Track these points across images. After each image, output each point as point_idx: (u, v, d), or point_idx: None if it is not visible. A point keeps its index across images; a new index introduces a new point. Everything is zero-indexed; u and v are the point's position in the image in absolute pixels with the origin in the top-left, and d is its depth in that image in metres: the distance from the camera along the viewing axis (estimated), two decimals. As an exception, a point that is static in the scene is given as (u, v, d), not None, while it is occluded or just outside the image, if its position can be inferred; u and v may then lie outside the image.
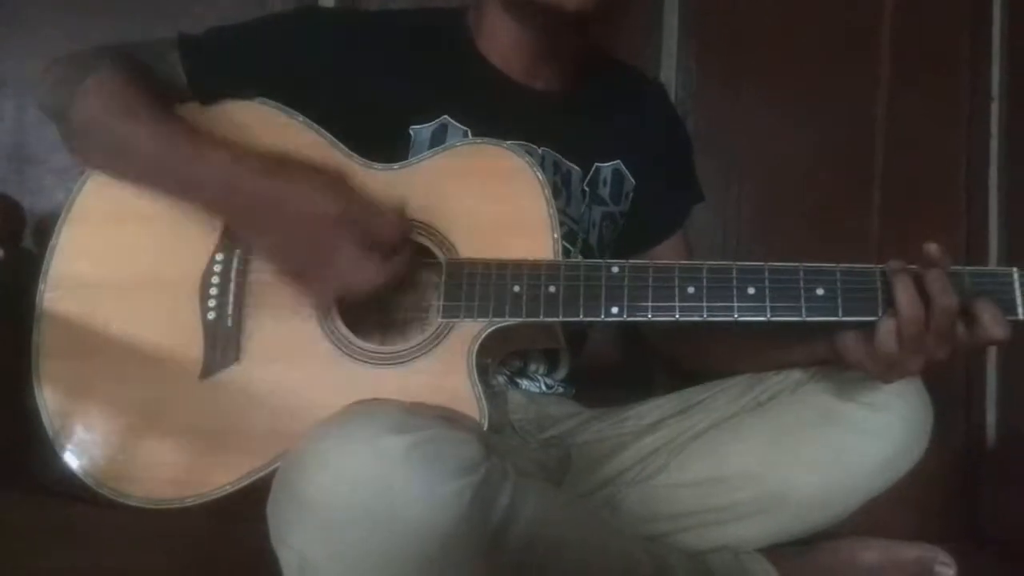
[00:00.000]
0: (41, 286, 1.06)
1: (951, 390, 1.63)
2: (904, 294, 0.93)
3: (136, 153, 1.02)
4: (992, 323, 0.93)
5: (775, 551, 1.13)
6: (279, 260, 1.00)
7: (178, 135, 1.01)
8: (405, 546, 0.77)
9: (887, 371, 0.98)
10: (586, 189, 1.24)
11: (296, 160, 0.99)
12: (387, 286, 0.98)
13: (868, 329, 0.97)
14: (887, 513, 1.17)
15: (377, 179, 1.06)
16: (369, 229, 0.96)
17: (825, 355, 1.06)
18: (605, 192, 1.26)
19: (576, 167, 1.23)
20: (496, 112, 1.16)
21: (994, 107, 1.72)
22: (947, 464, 1.54)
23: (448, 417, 0.88)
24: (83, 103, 1.04)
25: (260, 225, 0.99)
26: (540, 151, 1.19)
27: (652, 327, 1.29)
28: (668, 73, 1.67)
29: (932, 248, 0.95)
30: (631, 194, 1.29)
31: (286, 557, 0.81)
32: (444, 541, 0.77)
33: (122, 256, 1.06)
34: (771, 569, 1.11)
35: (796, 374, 1.13)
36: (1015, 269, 0.97)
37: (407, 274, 1.01)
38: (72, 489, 1.01)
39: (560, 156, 1.22)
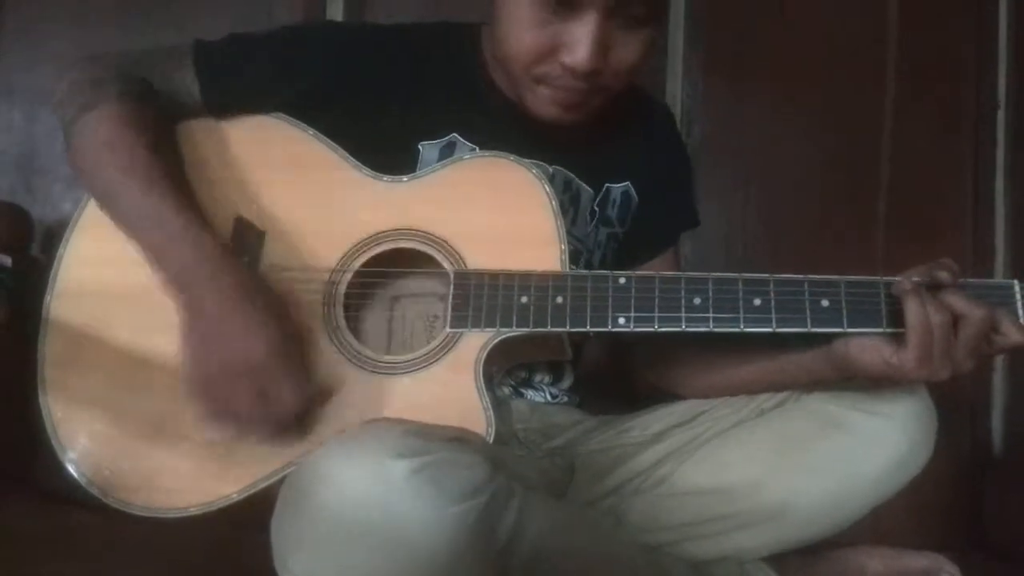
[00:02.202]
0: (48, 295, 1.07)
1: (957, 398, 1.63)
2: (936, 313, 0.93)
3: (118, 206, 1.03)
4: (1013, 330, 0.94)
5: (780, 561, 1.12)
6: (195, 369, 0.98)
7: (161, 207, 1.00)
8: (409, 569, 0.77)
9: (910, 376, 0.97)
10: (595, 209, 1.24)
11: (262, 293, 0.99)
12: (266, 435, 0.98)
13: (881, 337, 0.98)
14: (892, 521, 1.17)
15: (385, 191, 1.07)
16: (272, 388, 0.96)
17: (822, 368, 1.06)
18: (613, 213, 1.26)
19: (587, 187, 1.23)
20: (505, 131, 1.15)
21: (1000, 116, 1.73)
22: (953, 472, 1.55)
23: (455, 437, 0.88)
24: (82, 138, 1.05)
25: (197, 327, 0.98)
26: (551, 169, 1.19)
27: (641, 356, 1.29)
28: (674, 83, 1.68)
29: (953, 264, 0.97)
30: (634, 214, 1.29)
31: None
32: (448, 564, 0.77)
33: (129, 265, 1.05)
34: (776, 578, 1.11)
35: None
36: (1016, 282, 0.98)
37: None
38: (76, 497, 1.01)
39: (572, 175, 1.22)
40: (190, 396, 0.97)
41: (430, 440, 0.82)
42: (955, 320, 0.94)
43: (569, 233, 1.09)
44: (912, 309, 0.93)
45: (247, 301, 0.97)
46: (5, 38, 1.56)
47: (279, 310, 0.99)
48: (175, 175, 1.05)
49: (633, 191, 1.27)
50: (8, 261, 1.27)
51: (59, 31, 1.54)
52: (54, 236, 1.13)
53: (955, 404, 1.60)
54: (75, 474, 1.01)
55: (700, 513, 1.09)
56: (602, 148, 1.24)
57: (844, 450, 1.07)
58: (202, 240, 0.99)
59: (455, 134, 1.17)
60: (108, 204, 1.04)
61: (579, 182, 1.22)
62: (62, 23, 1.55)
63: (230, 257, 1.01)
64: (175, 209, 1.00)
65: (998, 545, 1.46)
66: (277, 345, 0.96)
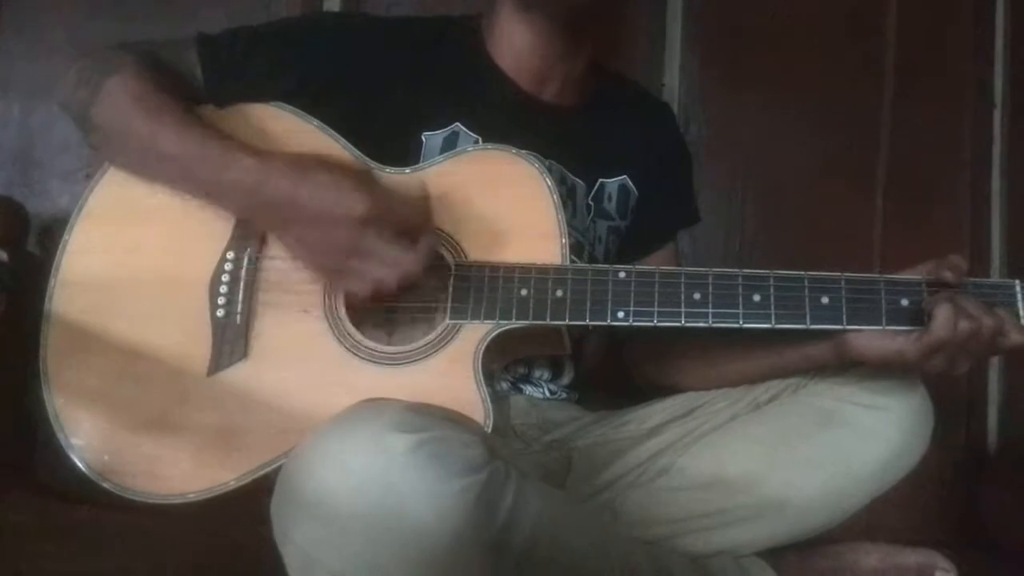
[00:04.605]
0: (52, 282, 1.07)
1: (953, 394, 1.63)
2: (954, 315, 0.95)
3: (162, 156, 1.02)
4: (1014, 330, 0.96)
5: (776, 556, 1.13)
6: (313, 259, 1.01)
7: (205, 138, 1.01)
8: (409, 544, 0.77)
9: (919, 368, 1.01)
10: (590, 203, 1.25)
11: (320, 160, 1.00)
12: (418, 275, 0.99)
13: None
14: (888, 517, 1.17)
15: (388, 183, 1.07)
16: (396, 222, 0.98)
17: (823, 355, 1.06)
18: (611, 207, 1.27)
19: (580, 181, 1.24)
20: (507, 122, 1.17)
21: (996, 113, 1.73)
22: (949, 468, 1.55)
23: (453, 418, 0.88)
24: (106, 104, 1.05)
25: (291, 226, 1.00)
26: (547, 162, 1.19)
27: (639, 350, 1.29)
28: (672, 80, 1.68)
29: (961, 262, 0.99)
30: (634, 208, 1.30)
31: (290, 554, 0.81)
32: (448, 540, 0.77)
33: (133, 253, 1.06)
34: (772, 573, 1.11)
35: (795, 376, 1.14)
36: (1017, 281, 1.00)
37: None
38: (76, 489, 1.01)
39: (565, 170, 1.22)
40: (329, 272, 1.01)
41: (428, 417, 0.83)
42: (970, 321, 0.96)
43: (571, 226, 1.09)
44: (943, 314, 0.95)
45: (328, 169, 0.98)
46: (3, 32, 1.55)
47: (360, 174, 1.01)
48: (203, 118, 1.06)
49: (631, 185, 1.28)
50: (4, 256, 1.26)
51: (57, 25, 1.54)
52: (50, 231, 1.13)
53: (951, 400, 1.61)
54: (76, 460, 1.01)
55: (697, 507, 1.10)
56: (597, 144, 1.26)
57: (840, 444, 1.08)
58: (255, 153, 1.00)
59: (458, 124, 1.17)
60: (151, 156, 1.04)
61: (572, 176, 1.23)
62: (60, 16, 1.54)
63: (279, 156, 1.01)
64: (219, 133, 1.01)
65: (994, 541, 1.46)
66: (377, 187, 0.99)
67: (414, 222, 1.01)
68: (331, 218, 0.96)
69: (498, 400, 1.13)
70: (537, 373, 1.25)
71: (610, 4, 1.13)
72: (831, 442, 1.08)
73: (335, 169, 0.98)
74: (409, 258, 0.98)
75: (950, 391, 1.60)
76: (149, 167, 1.05)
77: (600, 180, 1.26)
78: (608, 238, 1.27)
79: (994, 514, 1.50)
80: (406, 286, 0.99)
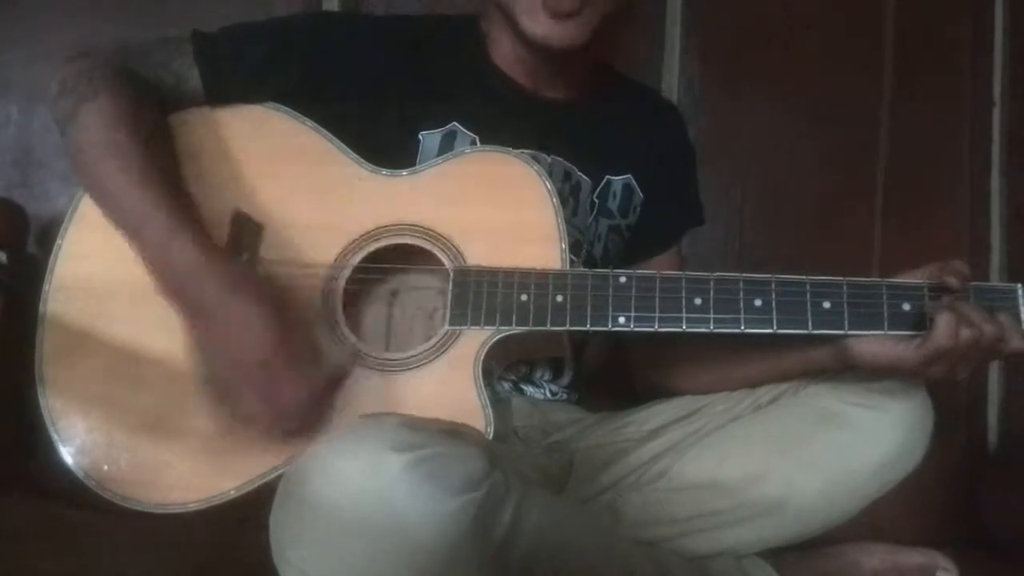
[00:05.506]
0: (46, 287, 1.07)
1: (953, 394, 1.63)
2: (958, 324, 0.95)
3: (116, 203, 1.01)
4: (1015, 336, 0.97)
5: (777, 556, 1.13)
6: (203, 367, 0.99)
7: (162, 205, 0.98)
8: (407, 562, 0.77)
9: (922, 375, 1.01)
10: (595, 201, 1.24)
11: (252, 282, 0.99)
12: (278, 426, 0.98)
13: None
14: (889, 517, 1.17)
15: (384, 185, 1.07)
16: (279, 379, 0.96)
17: (824, 358, 1.06)
18: (614, 205, 1.26)
19: (586, 178, 1.23)
20: (505, 120, 1.16)
21: (996, 112, 1.73)
22: (949, 468, 1.55)
23: (452, 430, 0.88)
24: (79, 133, 1.04)
25: (199, 326, 0.98)
26: (549, 159, 1.19)
27: (641, 353, 1.29)
28: (671, 79, 1.67)
29: (964, 267, 0.99)
30: (639, 208, 1.29)
31: (287, 573, 0.80)
32: (448, 557, 0.77)
33: (127, 258, 1.04)
34: (773, 573, 1.11)
35: None
36: (1019, 285, 1.00)
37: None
38: (74, 493, 1.01)
39: (571, 166, 1.22)
40: (200, 393, 0.98)
41: (426, 434, 0.83)
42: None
43: (569, 223, 1.09)
44: (944, 322, 0.95)
45: (245, 297, 0.96)
46: (2, 32, 1.54)
47: (279, 304, 0.98)
48: (171, 173, 1.05)
49: (635, 184, 1.27)
50: (3, 258, 1.26)
51: (56, 25, 1.53)
52: (50, 232, 1.12)
53: (951, 401, 1.61)
54: (74, 468, 1.01)
55: (697, 508, 1.10)
56: (604, 139, 1.25)
57: (841, 445, 1.08)
58: (198, 241, 0.98)
59: (455, 123, 1.17)
60: (103, 202, 1.03)
61: (578, 173, 1.23)
62: (59, 17, 1.54)
63: (227, 256, 1.01)
64: (170, 210, 0.98)
65: (994, 541, 1.46)
66: (279, 338, 0.95)
67: (298, 391, 0.97)
68: (233, 344, 0.95)
69: (499, 403, 1.13)
70: (538, 373, 1.25)
71: (591, 41, 1.12)
72: (832, 443, 1.08)
73: (262, 302, 0.96)
74: (277, 410, 0.96)
75: (950, 392, 1.59)
76: (104, 206, 1.03)
77: (607, 177, 1.26)
78: (608, 237, 1.27)
79: (994, 514, 1.50)
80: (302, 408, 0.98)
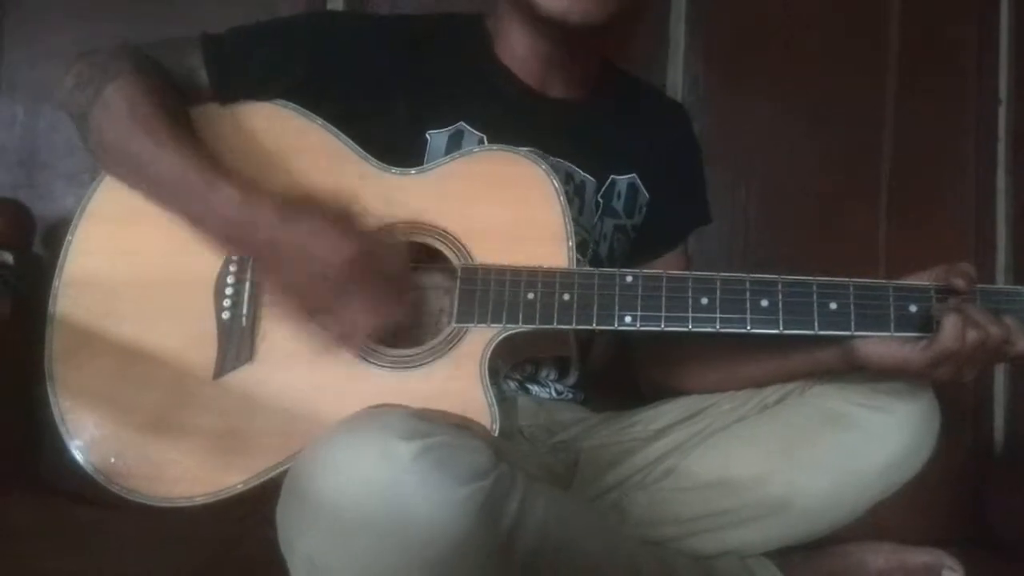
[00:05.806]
0: (56, 283, 1.07)
1: (960, 395, 1.63)
2: (971, 330, 0.96)
3: (152, 174, 1.01)
4: (1021, 338, 0.97)
5: (782, 555, 1.13)
6: (290, 300, 1.00)
7: (196, 164, 0.99)
8: (414, 550, 0.77)
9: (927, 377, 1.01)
10: (600, 200, 1.24)
11: (306, 204, 0.98)
12: (403, 312, 0.99)
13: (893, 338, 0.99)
14: (895, 517, 1.17)
15: (393, 183, 1.07)
16: (378, 269, 0.97)
17: (831, 360, 1.06)
18: (619, 205, 1.26)
19: (591, 178, 1.23)
20: (512, 120, 1.16)
21: (1002, 110, 1.73)
22: (955, 468, 1.55)
23: (458, 423, 0.88)
24: (103, 113, 1.03)
25: (271, 266, 0.99)
26: (552, 160, 1.18)
27: (646, 352, 1.29)
28: (675, 78, 1.68)
29: (971, 269, 0.99)
30: (644, 208, 1.29)
31: (295, 562, 0.81)
32: (454, 547, 0.77)
33: (137, 255, 1.06)
34: (778, 573, 1.11)
35: None
36: None
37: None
38: (81, 490, 1.01)
39: (574, 166, 1.22)
40: (314, 315, 0.98)
41: (434, 424, 0.83)
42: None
43: (575, 222, 1.09)
44: (951, 324, 0.95)
45: (306, 216, 0.95)
46: (7, 34, 1.55)
47: (340, 214, 0.98)
48: (198, 139, 1.05)
49: (641, 183, 1.27)
50: (10, 258, 1.27)
51: (62, 26, 1.53)
52: (56, 232, 1.13)
53: (957, 401, 1.61)
54: (82, 463, 1.01)
55: (703, 508, 1.10)
56: (609, 139, 1.25)
57: (847, 445, 1.08)
58: (236, 184, 0.97)
59: (462, 122, 1.17)
60: (136, 173, 1.03)
61: (582, 173, 1.23)
62: (65, 18, 1.54)
63: (268, 192, 0.99)
64: (203, 165, 0.99)
65: (1000, 541, 1.46)
66: (358, 229, 0.96)
67: (395, 269, 0.99)
68: (313, 263, 0.95)
69: (505, 401, 1.13)
70: (544, 372, 1.25)
71: (610, 23, 1.10)
72: (838, 444, 1.08)
73: (318, 215, 0.96)
74: (384, 308, 0.97)
75: (956, 392, 1.59)
76: (139, 182, 1.04)
77: (611, 176, 1.25)
78: (614, 236, 1.27)
79: (1000, 514, 1.50)
80: (381, 332, 0.99)
